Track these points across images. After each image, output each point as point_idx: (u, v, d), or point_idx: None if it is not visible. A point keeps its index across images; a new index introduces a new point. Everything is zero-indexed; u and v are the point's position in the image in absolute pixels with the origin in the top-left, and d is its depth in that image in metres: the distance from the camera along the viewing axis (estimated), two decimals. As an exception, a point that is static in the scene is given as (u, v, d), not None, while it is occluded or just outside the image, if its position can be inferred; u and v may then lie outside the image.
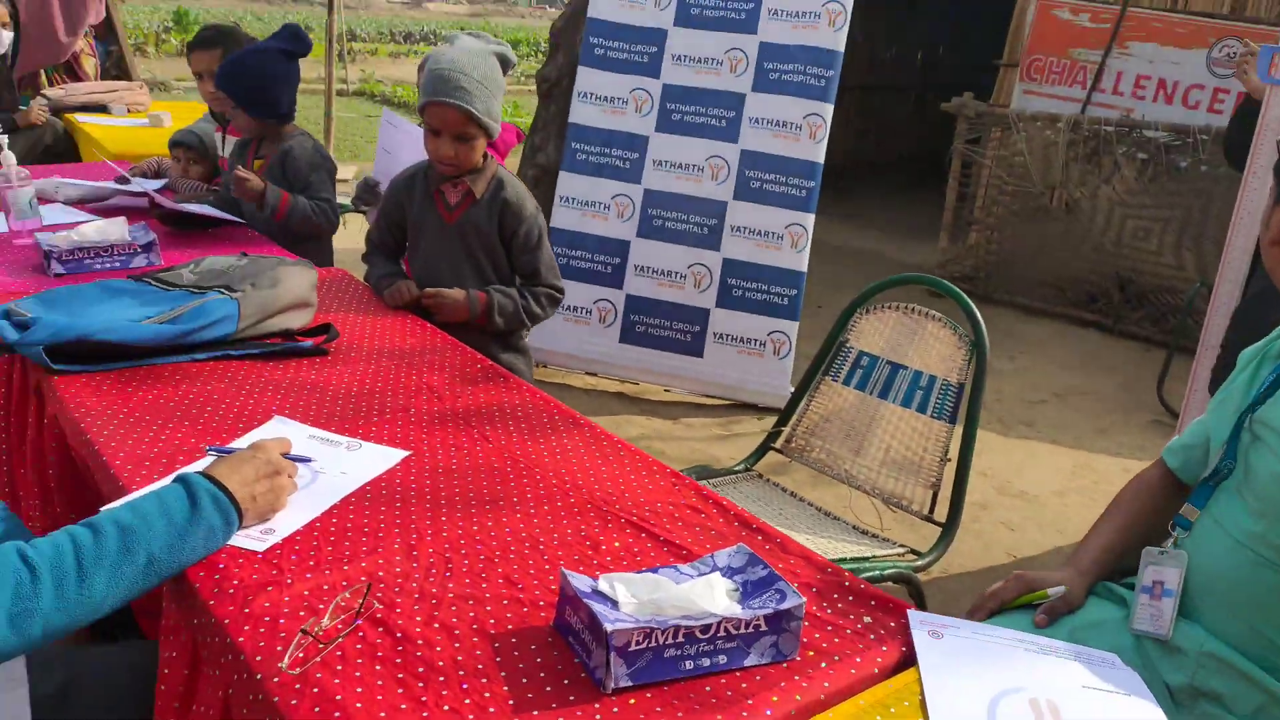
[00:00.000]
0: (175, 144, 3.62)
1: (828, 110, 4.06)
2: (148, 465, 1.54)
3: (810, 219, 4.15)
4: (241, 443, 1.60)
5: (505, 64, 2.35)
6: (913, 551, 2.25)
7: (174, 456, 1.57)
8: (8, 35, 4.26)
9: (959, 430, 2.29)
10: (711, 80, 4.18)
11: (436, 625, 1.22)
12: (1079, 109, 5.68)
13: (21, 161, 4.13)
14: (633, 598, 1.19)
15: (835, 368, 2.52)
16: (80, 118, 4.72)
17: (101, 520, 1.23)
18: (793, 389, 4.31)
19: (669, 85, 4.22)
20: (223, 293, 2.04)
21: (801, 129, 4.09)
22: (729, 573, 1.27)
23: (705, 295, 4.24)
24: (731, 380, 4.29)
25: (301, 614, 1.21)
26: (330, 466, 1.58)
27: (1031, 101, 5.90)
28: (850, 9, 3.99)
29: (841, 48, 4.00)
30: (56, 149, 4.63)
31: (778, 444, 2.60)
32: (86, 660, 1.43)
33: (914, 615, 1.29)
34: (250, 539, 1.36)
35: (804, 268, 4.20)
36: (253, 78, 2.81)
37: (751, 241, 4.19)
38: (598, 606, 1.14)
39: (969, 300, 2.33)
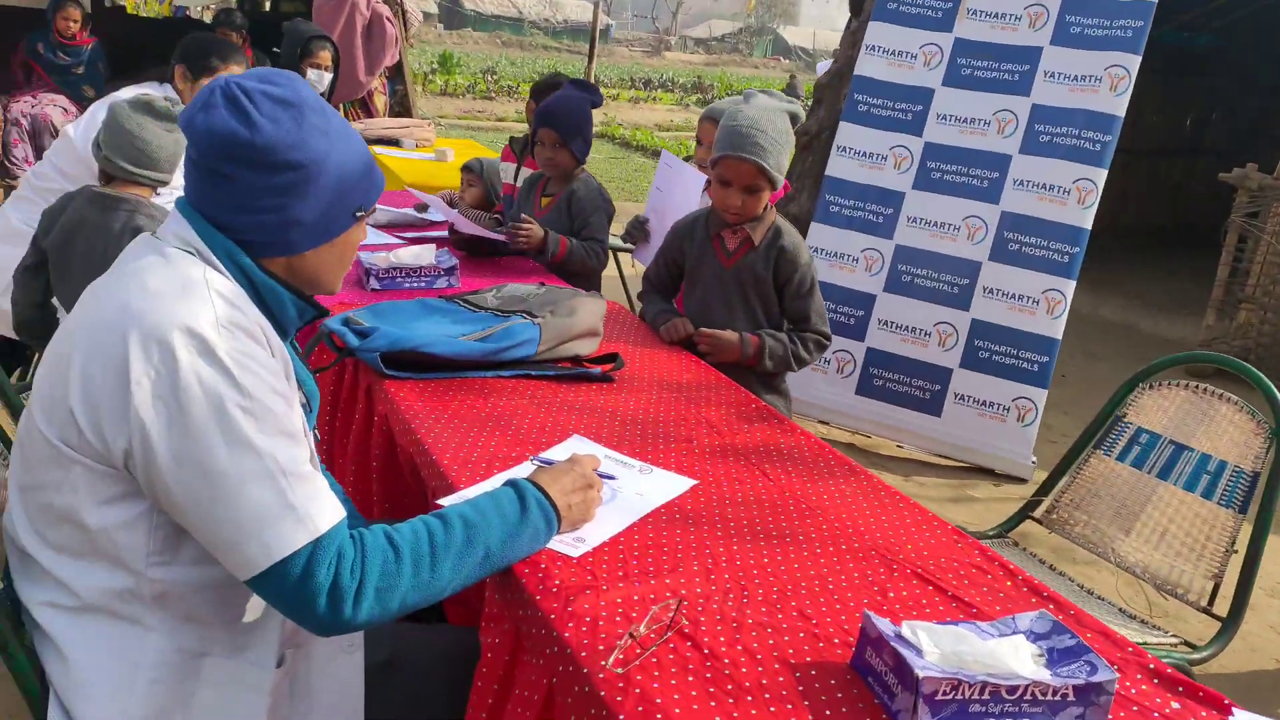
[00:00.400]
0: (465, 169, 3.97)
1: (1100, 175, 3.93)
2: (470, 466, 1.70)
3: (1071, 286, 4.01)
4: (555, 454, 1.74)
5: (795, 121, 2.44)
6: (1186, 643, 2.14)
7: (492, 461, 1.73)
8: (328, 77, 4.77)
9: (1247, 521, 2.16)
10: (977, 140, 4.14)
11: (739, 647, 1.28)
12: (1380, 186, 5.21)
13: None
14: (935, 647, 1.21)
15: (1109, 442, 2.43)
16: (377, 150, 5.22)
17: (449, 513, 1.38)
18: (1034, 459, 4.18)
19: (931, 144, 4.21)
20: (525, 317, 2.22)
21: (1070, 193, 3.98)
22: (1033, 637, 1.27)
23: (949, 354, 4.17)
24: (969, 442, 4.18)
25: (618, 619, 1.31)
26: (627, 486, 1.69)
27: (1323, 176, 5.46)
28: (1135, 73, 3.86)
29: (1122, 113, 3.88)
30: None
31: (1037, 513, 2.53)
32: (408, 637, 1.59)
33: (1242, 715, 1.24)
34: (565, 544, 1.48)
35: (1059, 335, 4.06)
36: (577, 117, 3.04)
37: (1004, 304, 4.09)
38: (906, 652, 1.18)
39: (1271, 385, 2.21)
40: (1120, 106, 3.89)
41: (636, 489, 1.69)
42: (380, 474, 2.01)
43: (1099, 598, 2.28)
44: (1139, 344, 6.29)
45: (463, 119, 15.17)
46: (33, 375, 2.82)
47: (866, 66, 4.33)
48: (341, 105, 6.38)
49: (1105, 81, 3.92)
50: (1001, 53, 4.12)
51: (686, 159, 3.46)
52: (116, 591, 1.30)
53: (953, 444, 4.20)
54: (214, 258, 1.35)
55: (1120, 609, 2.26)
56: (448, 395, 2.01)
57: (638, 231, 3.25)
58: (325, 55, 4.79)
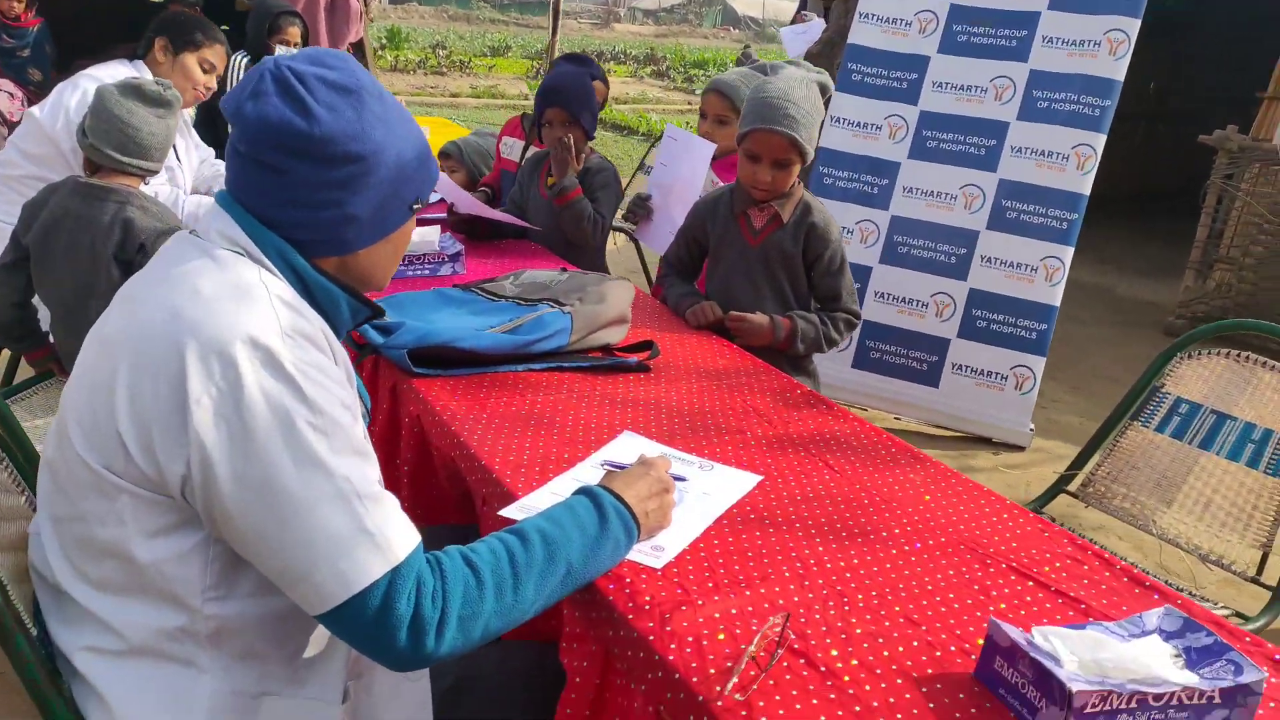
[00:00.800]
0: (443, 154, 3.81)
1: (1099, 140, 3.89)
2: (524, 471, 1.60)
3: (1069, 252, 3.97)
4: (615, 453, 1.64)
5: (824, 91, 2.34)
6: (1238, 615, 2.10)
7: (545, 464, 1.63)
8: (294, 53, 4.56)
9: (1298, 491, 2.13)
10: (974, 108, 4.07)
11: (855, 662, 1.20)
12: (1354, 144, 5.24)
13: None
14: (1072, 655, 1.14)
15: (1146, 413, 2.39)
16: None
17: (527, 529, 1.27)
18: (1032, 426, 4.16)
19: (926, 112, 4.13)
20: (552, 305, 2.11)
21: (1069, 159, 3.93)
22: (1165, 636, 1.20)
23: (947, 325, 4.13)
24: (966, 413, 4.15)
25: (721, 637, 1.22)
26: (693, 486, 1.60)
27: (1297, 134, 5.48)
28: (1134, 38, 3.80)
29: (1121, 77, 3.82)
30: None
31: (1072, 488, 2.48)
32: (475, 659, 1.49)
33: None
34: (645, 554, 1.38)
35: (1057, 302, 4.02)
36: (580, 91, 2.92)
37: (1002, 273, 4.04)
38: (1048, 663, 1.10)
39: (1315, 352, 2.17)
40: (1119, 71, 3.84)
41: (702, 488, 1.60)
42: (412, 479, 1.90)
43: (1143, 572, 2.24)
44: (1118, 308, 6.31)
45: (416, 95, 14.84)
46: (19, 383, 2.64)
47: (860, 34, 4.24)
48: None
49: (1104, 46, 3.86)
50: (999, 18, 4.04)
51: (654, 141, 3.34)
52: (168, 631, 1.18)
53: (950, 414, 4.16)
54: (264, 258, 1.23)
55: (1166, 582, 2.21)
56: (481, 392, 1.90)
57: (640, 209, 3.13)
58: (294, 31, 4.58)
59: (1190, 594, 2.18)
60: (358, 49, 6.96)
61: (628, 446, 1.72)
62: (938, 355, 4.16)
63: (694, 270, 2.61)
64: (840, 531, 1.51)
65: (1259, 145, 5.45)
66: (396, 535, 1.15)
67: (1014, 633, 1.16)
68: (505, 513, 1.47)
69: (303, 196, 1.23)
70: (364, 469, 1.17)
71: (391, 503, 1.18)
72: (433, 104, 14.11)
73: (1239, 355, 2.29)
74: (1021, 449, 4.06)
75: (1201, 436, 2.29)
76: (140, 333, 1.15)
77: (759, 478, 1.66)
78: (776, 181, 2.33)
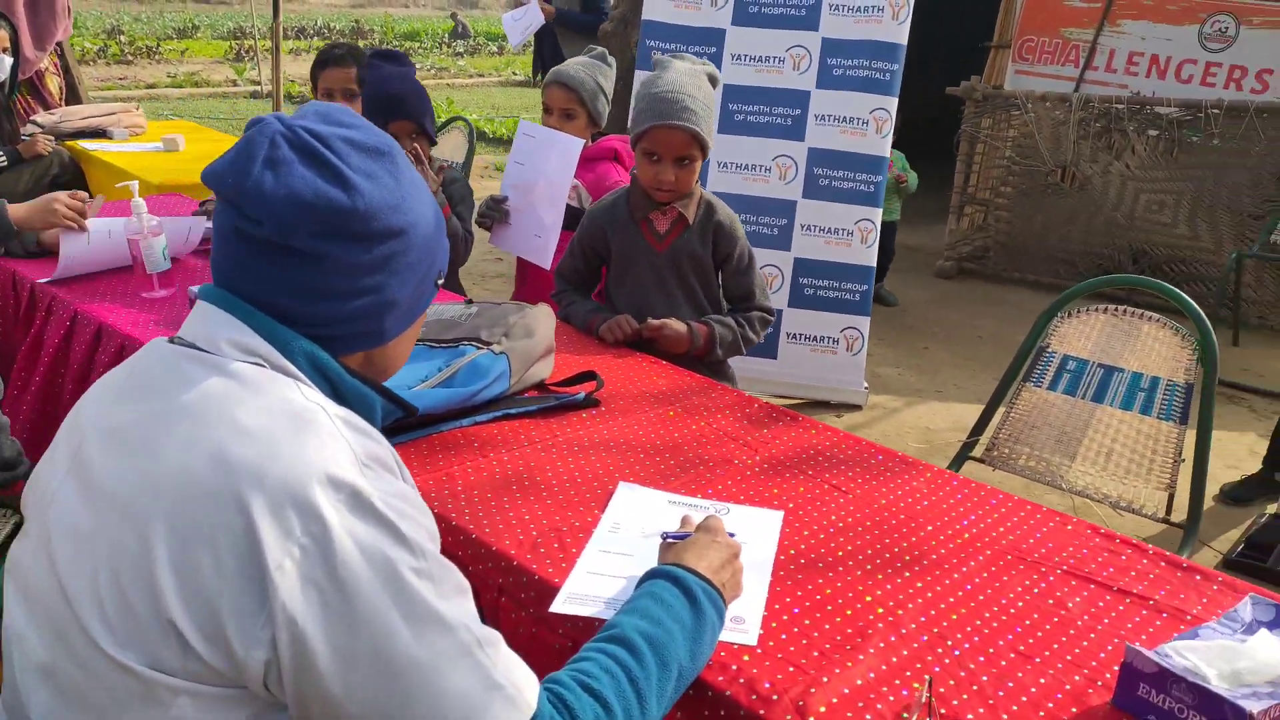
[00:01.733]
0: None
1: (892, 104, 4.04)
2: (544, 549, 1.41)
3: (878, 213, 4.14)
4: (624, 512, 1.49)
5: (713, 83, 2.25)
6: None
7: (562, 537, 1.45)
8: (8, 61, 3.89)
9: (1190, 429, 2.30)
10: (774, 79, 4.12)
11: (1005, 716, 1.14)
12: (1072, 87, 5.81)
13: (28, 195, 3.81)
14: (1210, 667, 1.14)
15: (1036, 373, 2.50)
16: (87, 145, 4.37)
17: (629, 634, 1.11)
18: (866, 385, 4.33)
19: (730, 85, 4.13)
20: (478, 346, 1.90)
21: (868, 124, 4.07)
22: (1271, 628, 1.23)
23: (778, 296, 4.19)
24: (805, 379, 4.26)
25: (869, 718, 1.13)
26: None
27: (1024, 81, 6.01)
28: (913, 1, 3.97)
29: (904, 40, 3.99)
30: (63, 180, 4.26)
31: (976, 453, 2.58)
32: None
33: None
34: (731, 631, 1.26)
35: (873, 262, 4.19)
36: (423, 98, 2.64)
37: (821, 239, 4.15)
38: (1209, 685, 1.09)
39: (1187, 298, 2.34)
40: (902, 34, 4.00)
41: (738, 537, 1.48)
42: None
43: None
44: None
45: (106, 88, 13.30)
46: None
47: (653, 10, 4.16)
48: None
49: (887, 10, 4.00)
50: (787, -13, 4.10)
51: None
52: None
53: (791, 383, 4.25)
54: (293, 367, 0.99)
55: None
56: (438, 459, 1.67)
57: (495, 212, 2.91)
58: (2, 35, 3.91)
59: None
60: (60, 49, 6.09)
61: (633, 500, 1.58)
62: (773, 327, 4.21)
63: (592, 283, 2.46)
64: (894, 563, 1.45)
65: (998, 93, 5.92)
66: (523, 680, 0.98)
67: (1160, 657, 1.14)
68: (558, 608, 1.30)
69: (340, 285, 1.01)
70: (471, 607, 0.97)
71: (501, 640, 0.99)
72: (130, 97, 12.71)
73: (1118, 309, 2.44)
74: (859, 408, 4.22)
75: (1093, 390, 2.42)
76: (173, 487, 0.89)
77: (779, 514, 1.57)
78: (680, 181, 2.22)
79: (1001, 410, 2.55)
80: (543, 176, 2.76)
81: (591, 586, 1.34)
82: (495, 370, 1.84)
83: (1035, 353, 2.51)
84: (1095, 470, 2.39)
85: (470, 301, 2.10)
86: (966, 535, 1.54)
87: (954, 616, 1.32)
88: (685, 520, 1.38)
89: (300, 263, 1.00)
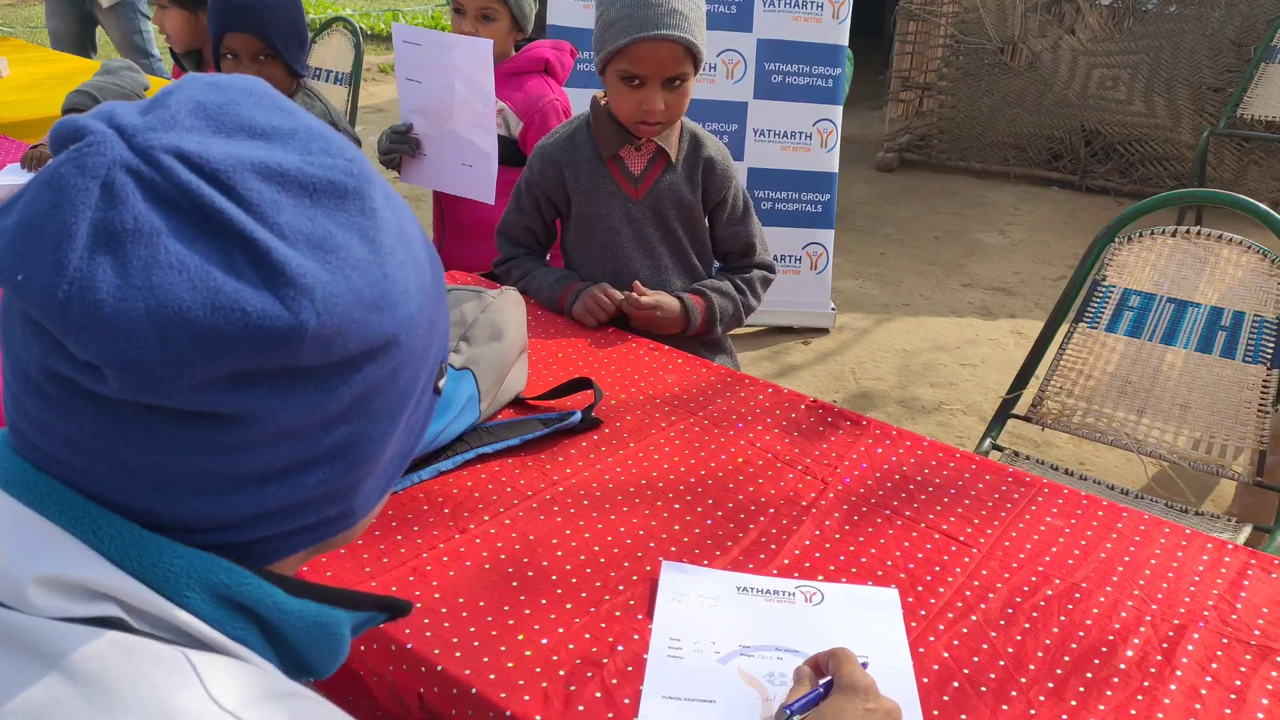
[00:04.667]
0: (71, 110, 2.69)
1: (851, -8, 3.53)
2: (576, 695, 0.94)
3: (839, 112, 3.66)
4: (677, 621, 1.02)
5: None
6: (1258, 528, 1.91)
7: (596, 665, 0.98)
8: None
9: (1283, 374, 1.93)
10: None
11: None
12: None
13: None
14: None
15: (1091, 312, 2.09)
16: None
17: None
18: (834, 305, 3.91)
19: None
20: (430, 360, 1.38)
21: (823, 8, 3.55)
22: None
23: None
24: (768, 304, 3.75)
25: None
26: (827, 644, 1.03)
27: (962, -51, 5.51)
28: None
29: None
30: None
31: (1020, 410, 2.18)
32: None
33: None
34: None
35: (835, 168, 3.73)
36: (288, 10, 2.03)
37: (777, 145, 3.66)
38: None
39: (1274, 214, 1.94)
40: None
41: (857, 646, 1.03)
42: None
43: (1138, 496, 1.99)
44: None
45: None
46: None
47: (558, 13, 3.50)
48: None
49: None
50: None
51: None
52: None
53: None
54: (181, 616, 0.50)
55: (1166, 504, 1.99)
56: (394, 544, 1.17)
57: (401, 145, 2.32)
58: None
59: (1198, 513, 1.96)
60: None
61: (684, 589, 1.11)
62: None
63: (547, 242, 1.93)
64: (1056, 661, 1.02)
65: (939, -33, 5.41)
66: None
67: None
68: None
69: (269, 461, 0.52)
70: None
71: None
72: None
73: (1189, 232, 2.03)
74: (826, 332, 3.80)
75: (1162, 330, 2.03)
76: None
77: (894, 592, 1.12)
78: (671, 108, 1.69)
79: (1050, 360, 2.14)
80: (453, 92, 2.18)
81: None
82: (460, 395, 1.32)
83: (1089, 287, 2.10)
84: (1171, 426, 2.01)
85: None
86: (1083, 565, 1.12)
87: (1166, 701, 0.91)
88: (800, 673, 0.92)
89: (187, 430, 0.49)
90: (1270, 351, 1.93)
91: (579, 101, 2.19)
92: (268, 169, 0.51)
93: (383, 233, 0.54)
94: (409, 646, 1.02)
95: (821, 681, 0.90)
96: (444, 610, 1.07)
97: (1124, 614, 1.10)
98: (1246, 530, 1.89)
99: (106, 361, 0.48)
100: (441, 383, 0.63)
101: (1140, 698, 0.98)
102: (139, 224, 0.48)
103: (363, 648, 1.05)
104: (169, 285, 0.47)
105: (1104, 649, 1.05)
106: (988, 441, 2.14)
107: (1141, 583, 1.15)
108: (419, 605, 1.07)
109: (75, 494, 0.51)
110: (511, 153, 2.33)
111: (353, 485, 0.57)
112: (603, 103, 1.79)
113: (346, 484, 0.56)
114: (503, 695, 0.96)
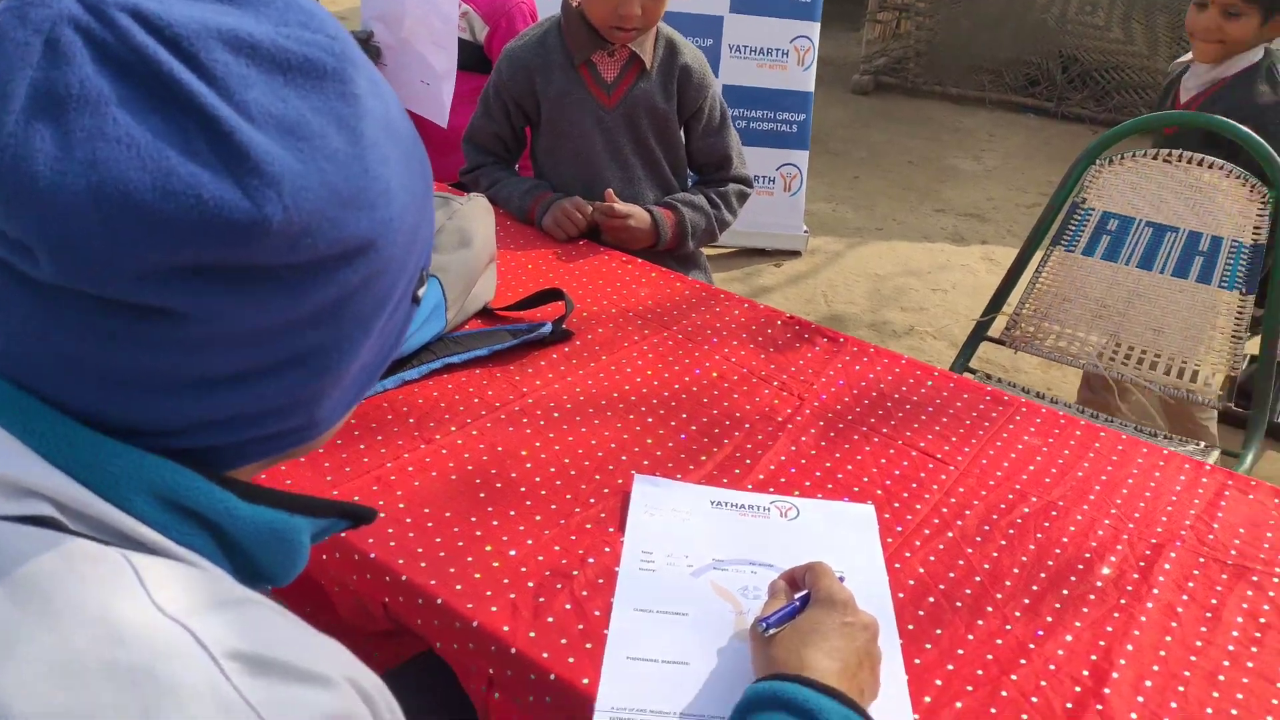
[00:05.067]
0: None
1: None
2: (544, 604, 0.92)
3: (816, 29, 3.57)
4: (645, 534, 1.00)
5: None
6: (1225, 452, 1.92)
7: (565, 577, 0.95)
8: None
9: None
10: None
11: None
12: None
13: None
14: None
15: (1069, 235, 2.07)
16: None
17: None
18: (807, 228, 3.86)
19: None
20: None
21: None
22: None
23: (702, 130, 3.62)
24: (740, 225, 3.70)
25: None
26: (802, 558, 1.01)
27: None
28: None
29: None
30: None
31: (994, 333, 2.16)
32: None
33: None
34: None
35: (811, 88, 3.65)
36: None
37: (753, 62, 3.57)
38: None
39: (1259, 139, 1.90)
40: None
41: (830, 556, 1.01)
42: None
43: (1107, 419, 1.99)
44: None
45: None
46: None
47: None
48: None
49: None
50: None
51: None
52: None
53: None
54: (127, 521, 0.47)
55: (1136, 426, 1.99)
56: (358, 452, 1.13)
57: (367, 53, 2.23)
58: None
59: (1167, 437, 1.96)
60: None
61: (656, 502, 1.08)
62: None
63: (516, 150, 1.86)
64: (1033, 574, 1.01)
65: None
66: None
67: None
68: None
69: (226, 363, 0.48)
70: None
71: None
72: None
73: (1171, 155, 1.99)
74: (798, 254, 3.76)
75: (1140, 254, 2.01)
76: None
77: (869, 508, 1.10)
78: (649, 12, 1.62)
79: (1025, 282, 2.12)
80: (414, 2, 2.09)
81: (637, 685, 0.86)
82: (426, 303, 1.27)
83: (1068, 209, 2.07)
84: (1143, 351, 2.00)
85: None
86: (1101, 500, 1.11)
87: (1129, 649, 0.90)
88: (774, 587, 0.90)
89: (129, 324, 0.45)
90: (1244, 276, 1.92)
91: (545, 5, 2.10)
92: (237, 39, 0.45)
93: (365, 122, 0.48)
94: (372, 556, 0.98)
95: (798, 595, 0.88)
96: (409, 520, 1.03)
97: (1100, 532, 1.09)
98: (1215, 455, 1.90)
99: (39, 241, 0.42)
100: (422, 291, 0.58)
101: (1117, 615, 0.98)
102: (85, 89, 0.42)
103: (324, 556, 1.02)
104: (115, 161, 0.42)
105: (1080, 566, 1.04)
106: (960, 364, 2.12)
107: (1118, 501, 1.14)
108: (383, 515, 1.03)
109: (8, 385, 0.47)
110: (476, 59, 2.24)
111: (316, 396, 0.52)
112: (575, 4, 1.70)
113: (309, 395, 0.51)
114: (469, 606, 0.93)
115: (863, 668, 0.81)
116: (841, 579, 0.91)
